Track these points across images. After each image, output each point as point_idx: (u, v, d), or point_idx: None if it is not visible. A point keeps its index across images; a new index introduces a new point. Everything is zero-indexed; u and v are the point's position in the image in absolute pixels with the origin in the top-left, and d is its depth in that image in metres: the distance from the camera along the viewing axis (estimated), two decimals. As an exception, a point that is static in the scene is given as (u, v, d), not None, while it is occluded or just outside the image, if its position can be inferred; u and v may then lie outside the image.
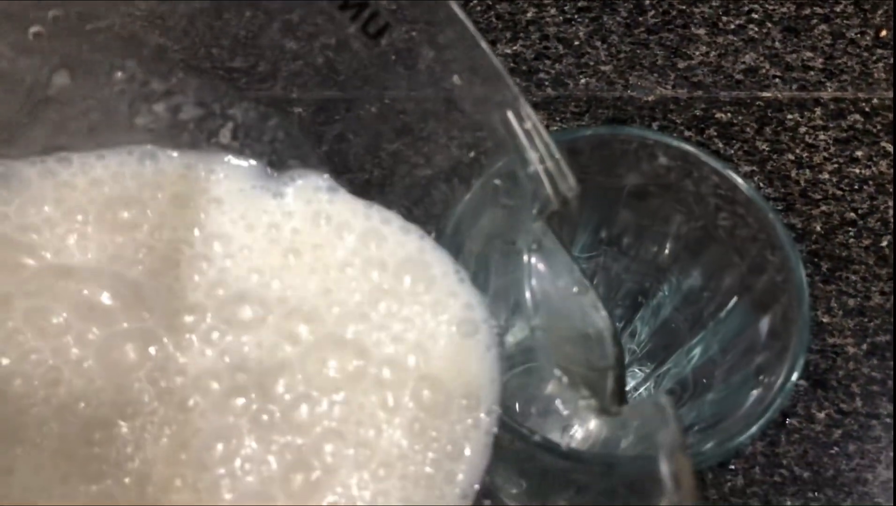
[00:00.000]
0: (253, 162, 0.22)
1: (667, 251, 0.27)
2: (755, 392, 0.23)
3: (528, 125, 0.18)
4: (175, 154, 0.21)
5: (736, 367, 0.26)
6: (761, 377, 0.23)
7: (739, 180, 0.23)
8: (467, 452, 0.19)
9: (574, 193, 0.18)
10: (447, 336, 0.20)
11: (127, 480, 0.18)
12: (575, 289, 0.19)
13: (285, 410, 0.19)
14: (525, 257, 0.19)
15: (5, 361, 0.19)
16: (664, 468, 0.16)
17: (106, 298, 0.20)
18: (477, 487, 0.19)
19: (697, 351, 0.29)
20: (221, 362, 0.20)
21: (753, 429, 0.21)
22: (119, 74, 0.20)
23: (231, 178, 0.22)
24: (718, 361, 0.28)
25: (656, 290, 0.30)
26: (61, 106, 0.20)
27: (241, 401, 0.19)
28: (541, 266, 0.19)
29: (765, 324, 0.23)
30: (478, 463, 0.19)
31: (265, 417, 0.19)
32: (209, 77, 0.20)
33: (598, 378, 0.18)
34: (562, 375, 0.18)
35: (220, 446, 0.19)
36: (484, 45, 0.18)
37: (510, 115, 0.18)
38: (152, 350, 0.20)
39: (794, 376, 0.21)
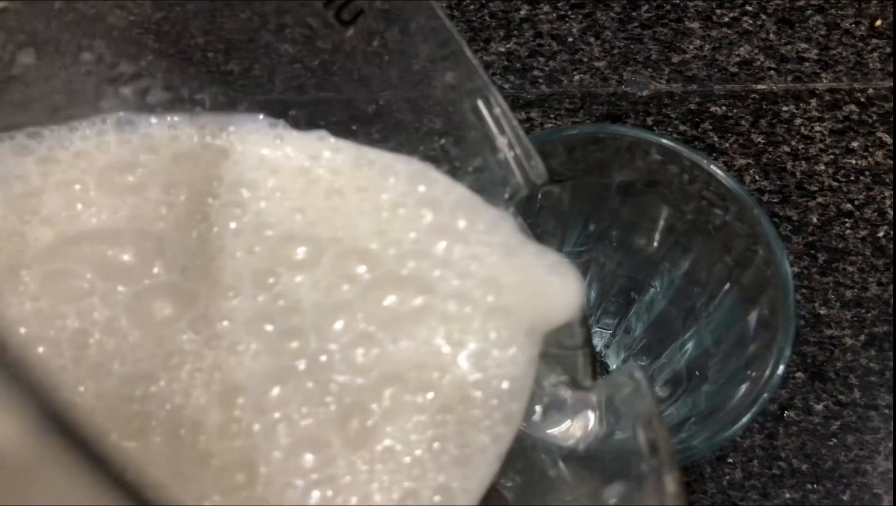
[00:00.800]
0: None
1: (656, 244, 0.27)
2: (744, 386, 0.23)
3: (498, 112, 0.18)
4: (154, 119, 0.20)
5: (728, 359, 0.26)
6: (750, 371, 0.23)
7: (723, 175, 0.23)
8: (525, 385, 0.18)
9: (543, 179, 0.18)
10: (521, 270, 0.19)
11: (182, 431, 0.18)
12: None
13: (344, 350, 0.19)
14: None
15: (23, 330, 0.18)
16: (641, 436, 0.16)
17: (130, 256, 0.19)
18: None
19: (691, 344, 0.29)
20: (274, 305, 0.19)
21: (742, 421, 0.21)
22: (86, 55, 0.19)
23: (230, 131, 0.20)
24: (712, 353, 0.28)
25: (648, 284, 0.30)
26: (25, 86, 0.19)
27: (296, 343, 0.19)
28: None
29: (753, 317, 0.24)
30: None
31: (323, 357, 0.18)
32: (178, 60, 0.20)
33: (570, 356, 0.18)
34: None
35: (276, 389, 0.18)
36: (455, 33, 0.18)
37: (480, 102, 0.19)
38: (191, 300, 0.19)
39: (780, 370, 0.21)
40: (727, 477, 0.35)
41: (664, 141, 0.24)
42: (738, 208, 0.23)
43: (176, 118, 0.20)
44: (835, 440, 0.35)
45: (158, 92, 0.20)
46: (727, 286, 0.25)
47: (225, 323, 0.19)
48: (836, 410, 0.36)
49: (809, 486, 0.35)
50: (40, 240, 0.19)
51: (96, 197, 0.19)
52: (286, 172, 0.20)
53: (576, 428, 0.19)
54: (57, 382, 0.16)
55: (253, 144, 0.20)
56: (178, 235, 0.19)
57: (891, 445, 0.35)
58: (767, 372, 0.21)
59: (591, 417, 0.19)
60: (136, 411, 0.18)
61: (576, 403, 0.19)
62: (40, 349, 0.18)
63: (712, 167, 0.23)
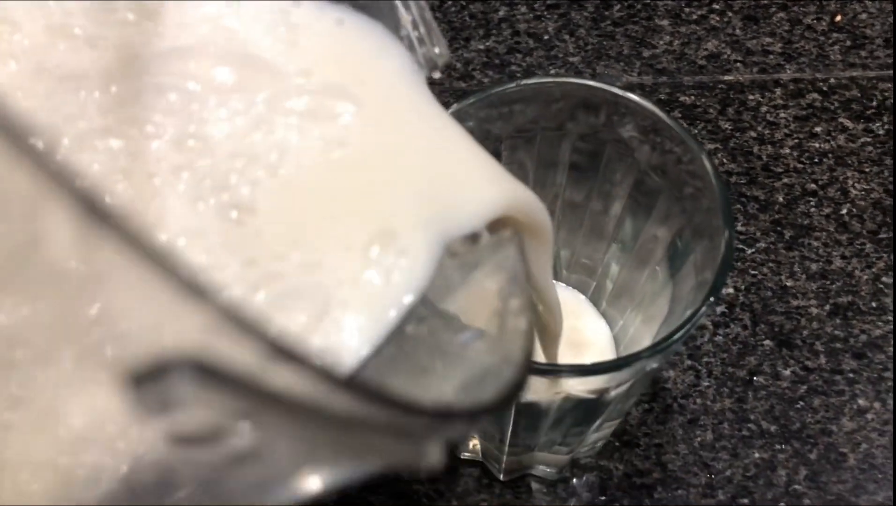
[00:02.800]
0: None
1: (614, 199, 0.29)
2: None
3: None
4: None
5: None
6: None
7: (669, 121, 0.25)
8: None
9: (444, 59, 0.19)
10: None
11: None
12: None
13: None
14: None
15: None
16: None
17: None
18: None
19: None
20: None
21: (677, 336, 0.22)
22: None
23: None
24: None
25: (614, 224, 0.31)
26: None
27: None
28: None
29: (699, 252, 0.25)
30: None
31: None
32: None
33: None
34: None
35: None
36: None
37: None
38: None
39: (712, 298, 0.22)
40: (698, 439, 0.36)
41: (618, 91, 0.26)
42: (682, 149, 0.25)
43: None
44: (802, 403, 0.37)
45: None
46: (679, 226, 0.27)
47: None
48: (803, 375, 0.37)
49: (778, 446, 0.36)
50: None
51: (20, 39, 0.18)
52: None
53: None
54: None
55: None
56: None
57: (855, 406, 0.37)
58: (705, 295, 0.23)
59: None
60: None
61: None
62: None
63: (658, 111, 0.25)
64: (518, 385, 0.15)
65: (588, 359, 0.30)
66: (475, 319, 0.17)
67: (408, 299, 0.16)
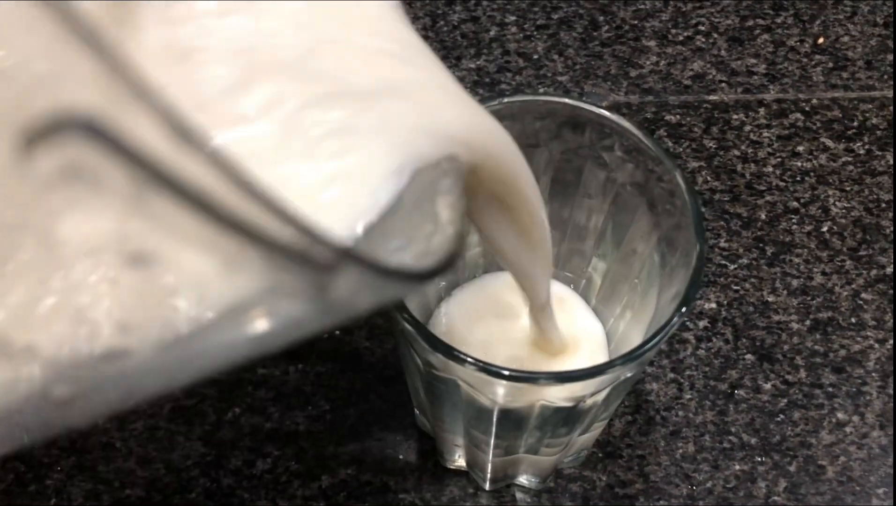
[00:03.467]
0: None
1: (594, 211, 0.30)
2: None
3: None
4: None
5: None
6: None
7: (647, 140, 0.26)
8: None
9: None
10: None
11: None
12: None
13: None
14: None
15: None
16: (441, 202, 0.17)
17: None
18: None
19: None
20: None
21: (649, 345, 0.23)
22: None
23: None
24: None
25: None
26: None
27: None
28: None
29: (675, 265, 0.26)
30: None
31: None
32: None
33: None
34: None
35: None
36: None
37: None
38: None
39: (684, 309, 0.23)
40: (680, 450, 0.37)
41: (598, 110, 0.26)
42: (658, 166, 0.26)
43: None
44: (782, 416, 0.38)
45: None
46: (655, 237, 0.28)
47: None
48: (783, 388, 0.38)
49: (758, 459, 0.37)
50: None
51: None
52: None
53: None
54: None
55: None
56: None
57: (834, 420, 0.37)
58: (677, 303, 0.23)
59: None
60: None
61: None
62: None
63: (637, 130, 0.26)
64: (433, 272, 0.15)
65: (581, 355, 0.31)
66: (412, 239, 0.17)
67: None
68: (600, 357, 0.32)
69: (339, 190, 0.16)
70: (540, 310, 0.28)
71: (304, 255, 0.12)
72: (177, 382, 0.15)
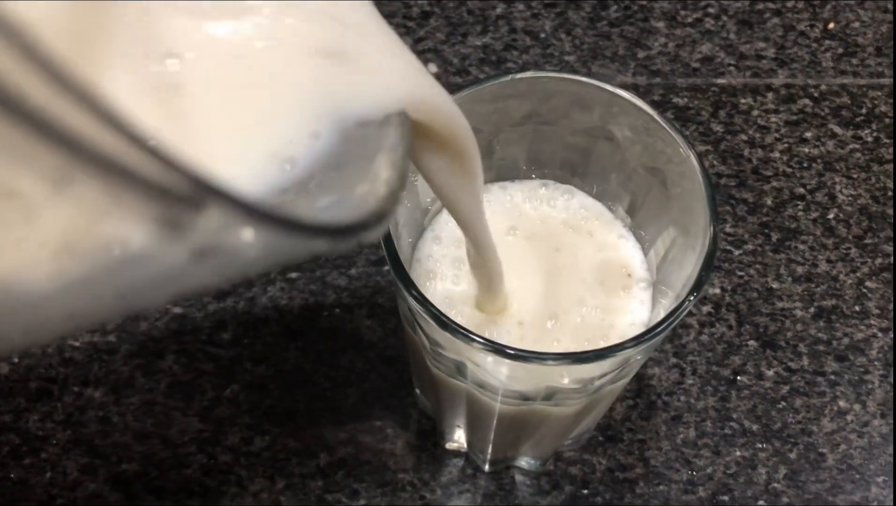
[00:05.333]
0: None
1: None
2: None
3: None
4: None
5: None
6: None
7: (662, 121, 0.26)
8: None
9: None
10: None
11: None
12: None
13: None
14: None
15: None
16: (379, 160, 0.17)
17: None
18: None
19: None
20: None
21: (661, 328, 0.22)
22: None
23: None
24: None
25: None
26: None
27: None
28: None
29: (686, 249, 0.26)
30: None
31: None
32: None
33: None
34: None
35: None
36: None
37: None
38: None
39: (696, 294, 0.23)
40: (681, 435, 0.37)
41: (610, 88, 0.26)
42: (669, 144, 0.26)
43: None
44: (784, 403, 0.37)
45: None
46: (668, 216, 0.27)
47: None
48: (786, 375, 0.38)
49: (759, 445, 0.36)
50: None
51: None
52: None
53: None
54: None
55: None
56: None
57: (835, 408, 0.37)
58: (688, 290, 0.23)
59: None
60: None
61: None
62: None
63: (649, 108, 0.26)
64: (341, 229, 0.14)
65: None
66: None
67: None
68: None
69: (254, 136, 0.16)
70: (481, 261, 0.26)
71: (150, 179, 0.11)
72: (38, 333, 0.14)
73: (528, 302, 0.29)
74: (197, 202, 0.11)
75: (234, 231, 0.12)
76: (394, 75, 0.19)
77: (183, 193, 0.11)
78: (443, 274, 0.30)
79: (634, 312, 0.29)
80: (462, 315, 0.29)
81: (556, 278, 0.30)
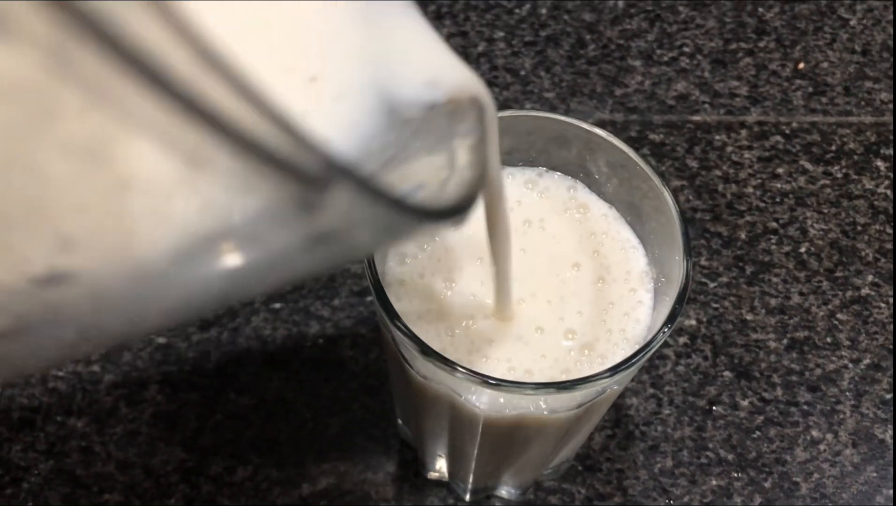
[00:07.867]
0: None
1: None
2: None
3: None
4: None
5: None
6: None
7: (636, 158, 0.27)
8: None
9: None
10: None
11: None
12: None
13: None
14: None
15: None
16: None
17: None
18: None
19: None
20: None
21: (636, 359, 0.23)
22: None
23: None
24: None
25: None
26: None
27: None
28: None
29: (660, 281, 0.26)
30: None
31: None
32: None
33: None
34: None
35: None
36: None
37: None
38: None
39: (669, 325, 0.23)
40: (658, 465, 0.37)
41: (587, 126, 0.27)
42: (645, 182, 0.27)
43: None
44: (758, 433, 0.38)
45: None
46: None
47: None
48: (760, 405, 0.39)
49: (734, 474, 0.37)
50: None
51: None
52: None
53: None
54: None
55: None
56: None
57: (808, 437, 0.38)
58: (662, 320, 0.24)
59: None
60: None
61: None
62: None
63: (628, 149, 0.27)
64: (445, 212, 0.14)
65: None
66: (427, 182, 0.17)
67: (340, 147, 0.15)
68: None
69: (346, 106, 0.15)
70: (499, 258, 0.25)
71: (287, 160, 0.10)
72: (140, 324, 0.13)
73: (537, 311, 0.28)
74: (325, 182, 0.11)
75: (359, 211, 0.12)
76: (461, 64, 0.18)
77: (314, 172, 0.11)
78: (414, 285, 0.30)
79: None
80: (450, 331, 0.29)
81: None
